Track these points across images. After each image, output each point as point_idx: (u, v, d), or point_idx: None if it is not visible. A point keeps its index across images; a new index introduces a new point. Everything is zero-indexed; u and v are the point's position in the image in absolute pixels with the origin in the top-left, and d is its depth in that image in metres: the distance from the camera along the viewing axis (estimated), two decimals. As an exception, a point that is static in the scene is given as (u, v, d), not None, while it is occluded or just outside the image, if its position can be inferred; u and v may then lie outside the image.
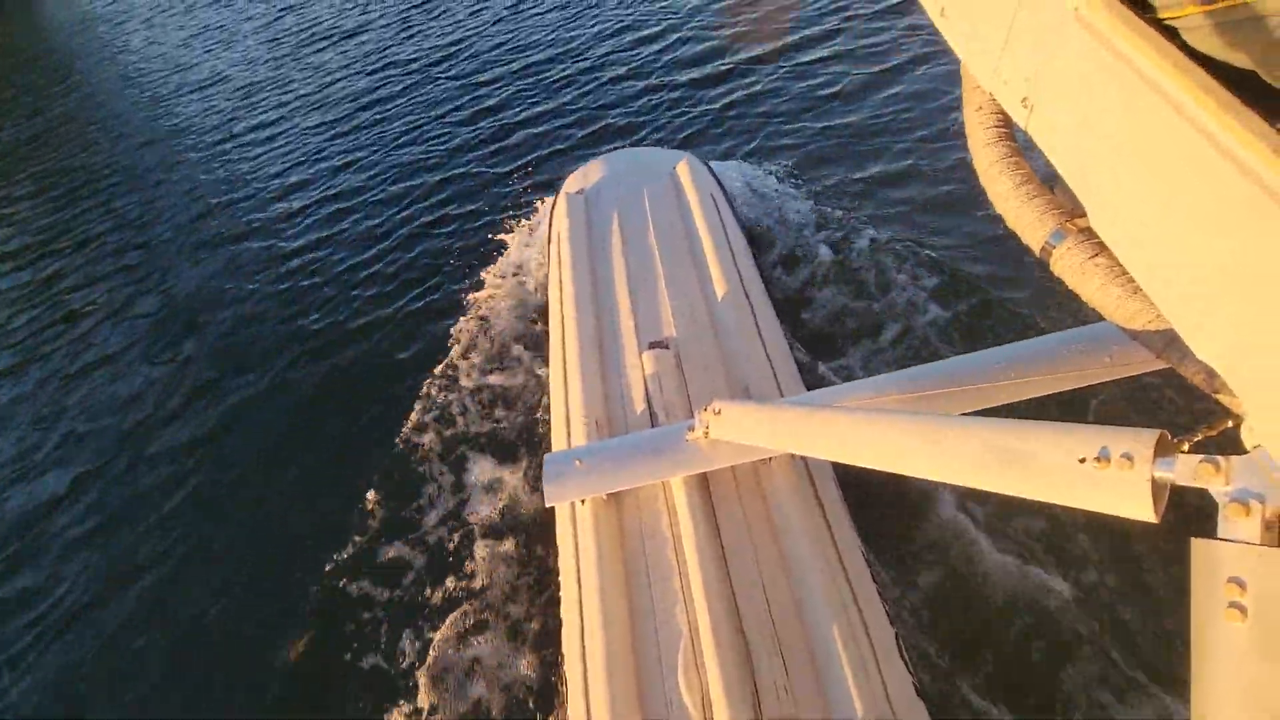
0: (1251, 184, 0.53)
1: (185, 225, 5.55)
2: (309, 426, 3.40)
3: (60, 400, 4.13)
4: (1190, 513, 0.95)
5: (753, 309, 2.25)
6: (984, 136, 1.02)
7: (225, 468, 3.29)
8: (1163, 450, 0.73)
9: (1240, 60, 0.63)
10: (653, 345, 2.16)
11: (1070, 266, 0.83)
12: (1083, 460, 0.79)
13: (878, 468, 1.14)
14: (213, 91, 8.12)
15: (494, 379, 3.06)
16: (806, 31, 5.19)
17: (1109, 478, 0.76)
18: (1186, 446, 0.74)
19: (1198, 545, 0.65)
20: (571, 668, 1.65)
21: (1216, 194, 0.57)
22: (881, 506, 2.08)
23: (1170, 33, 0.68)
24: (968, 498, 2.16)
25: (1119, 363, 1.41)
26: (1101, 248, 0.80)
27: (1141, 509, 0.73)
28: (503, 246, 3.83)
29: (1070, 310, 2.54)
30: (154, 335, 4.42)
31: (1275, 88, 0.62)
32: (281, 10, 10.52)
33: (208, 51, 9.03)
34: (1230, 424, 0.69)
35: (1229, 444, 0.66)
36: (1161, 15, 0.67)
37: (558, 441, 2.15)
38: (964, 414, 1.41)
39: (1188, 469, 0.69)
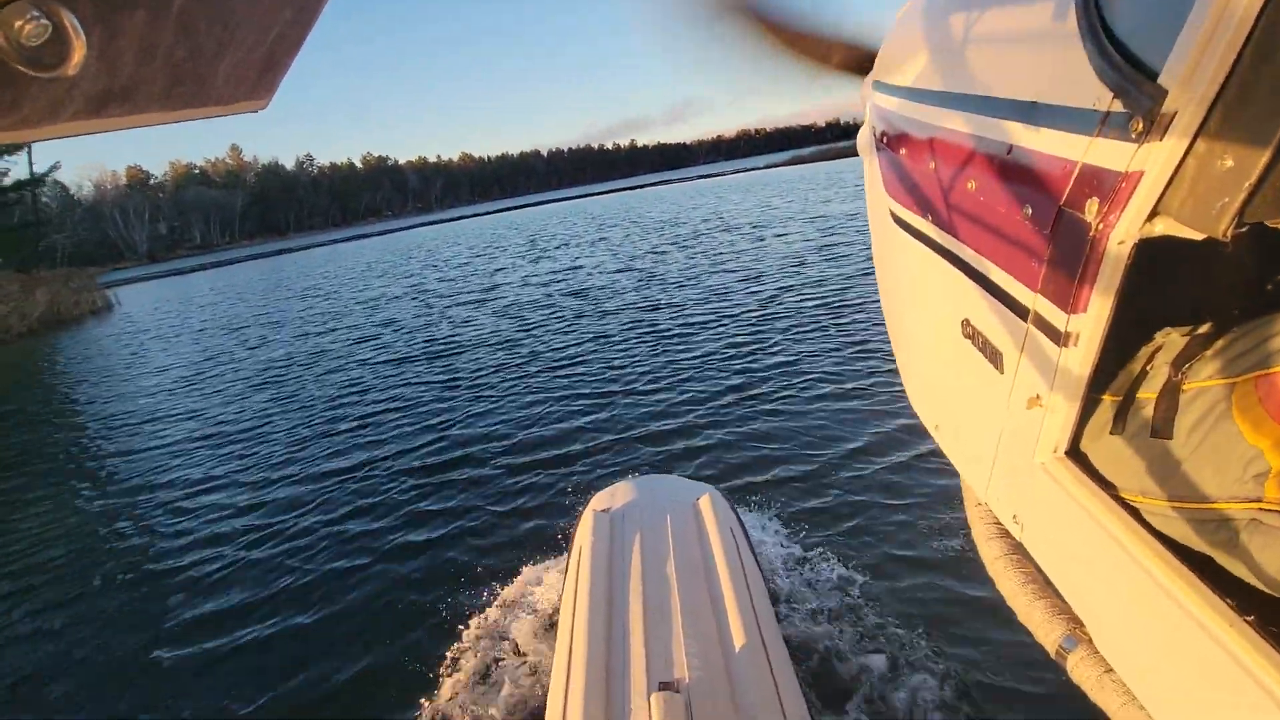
0: (1221, 652, 0.57)
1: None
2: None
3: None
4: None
5: (769, 660, 2.12)
6: (985, 531, 1.03)
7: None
8: None
9: (1194, 544, 0.67)
10: (663, 686, 2.00)
11: (1088, 678, 0.80)
12: None
13: None
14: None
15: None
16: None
17: None
18: None
19: None
20: None
21: (1198, 654, 0.59)
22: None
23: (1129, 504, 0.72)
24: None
25: None
26: None
27: None
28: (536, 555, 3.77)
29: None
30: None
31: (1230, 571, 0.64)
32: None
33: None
34: None
35: None
36: (1123, 494, 0.73)
37: None
38: None
39: None
